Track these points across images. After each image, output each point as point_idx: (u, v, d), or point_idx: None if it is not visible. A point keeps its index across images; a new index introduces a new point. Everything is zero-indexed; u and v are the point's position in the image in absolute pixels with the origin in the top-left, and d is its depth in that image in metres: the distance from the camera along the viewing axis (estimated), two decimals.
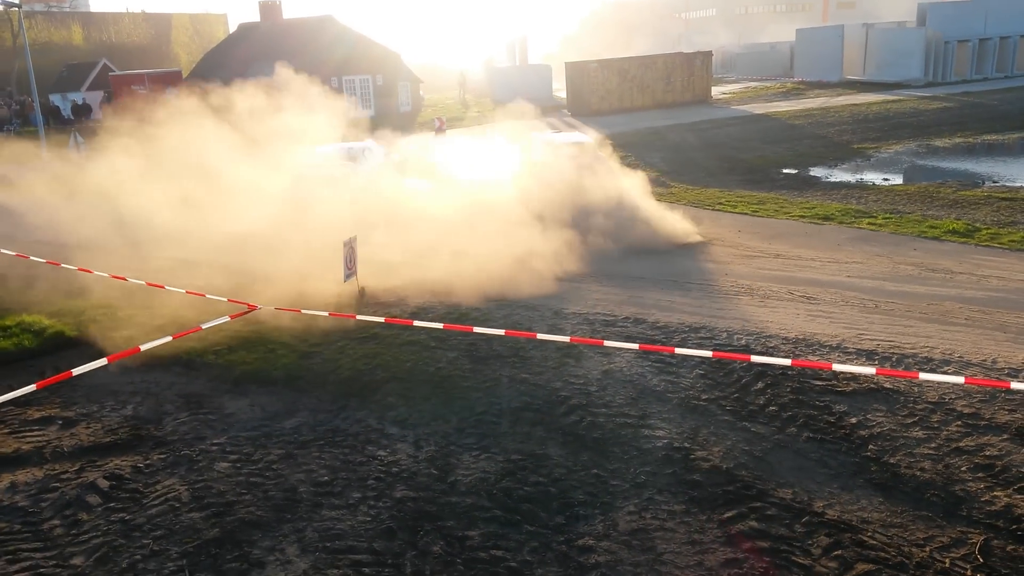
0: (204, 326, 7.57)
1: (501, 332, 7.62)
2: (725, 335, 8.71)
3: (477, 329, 7.31)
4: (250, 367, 8.28)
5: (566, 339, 7.72)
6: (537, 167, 14.49)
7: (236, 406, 7.46)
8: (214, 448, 6.66)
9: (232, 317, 8.06)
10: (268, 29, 41.05)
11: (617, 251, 12.63)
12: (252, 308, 8.28)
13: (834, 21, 66.98)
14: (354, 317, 8.41)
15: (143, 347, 7.01)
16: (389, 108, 40.23)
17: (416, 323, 7.90)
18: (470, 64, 55.49)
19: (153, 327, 8.81)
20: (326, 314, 8.41)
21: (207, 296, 8.79)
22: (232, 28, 54.92)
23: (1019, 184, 19.23)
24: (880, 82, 39.83)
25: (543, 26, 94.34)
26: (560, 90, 42.50)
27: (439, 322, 8.53)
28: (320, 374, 8.02)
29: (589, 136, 20.15)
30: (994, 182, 19.78)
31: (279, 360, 8.40)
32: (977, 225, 13.81)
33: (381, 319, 8.46)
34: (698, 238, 13.65)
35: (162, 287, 8.97)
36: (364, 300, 10.14)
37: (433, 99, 48.05)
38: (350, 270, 9.82)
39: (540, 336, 7.32)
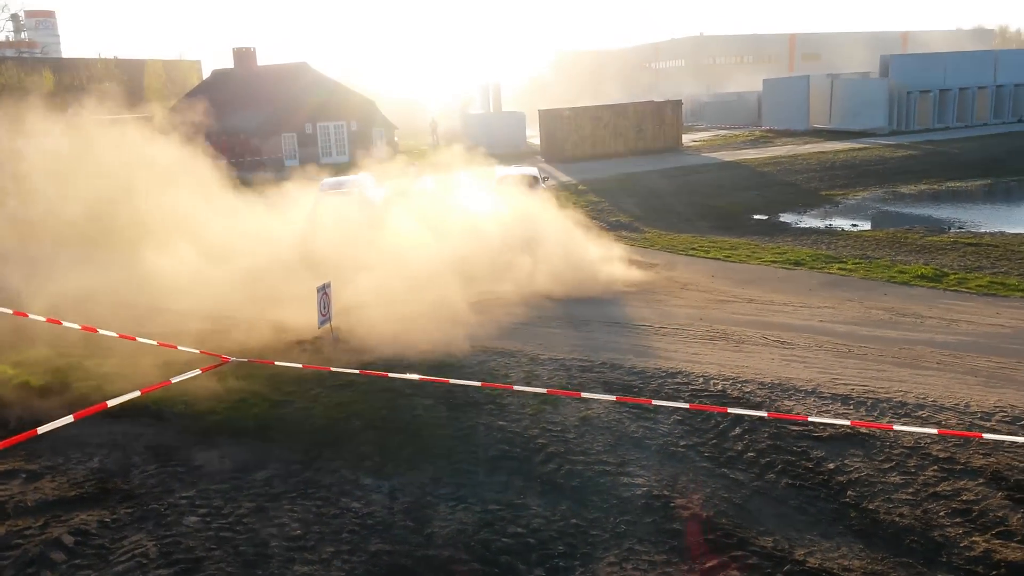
0: (174, 380, 7.41)
1: (477, 384, 7.55)
2: (701, 380, 8.72)
3: (453, 381, 7.24)
4: (221, 417, 8.10)
5: (543, 391, 7.66)
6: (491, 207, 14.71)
7: (206, 457, 7.28)
8: (183, 501, 6.47)
9: (203, 371, 7.91)
10: (242, 76, 41.32)
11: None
12: (224, 360, 8.14)
13: (800, 72, 69.01)
14: (328, 369, 8.29)
15: (110, 403, 6.81)
16: (364, 154, 40.41)
17: (391, 375, 7.80)
18: (444, 110, 56.19)
19: (122, 377, 8.61)
20: (299, 366, 8.28)
21: (178, 348, 8.64)
22: (206, 74, 55.17)
23: (983, 230, 19.71)
24: (846, 131, 40.91)
25: (516, 74, 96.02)
26: (533, 137, 43.09)
27: (415, 371, 8.45)
28: (293, 423, 7.87)
29: (535, 169, 21.21)
30: (959, 228, 20.26)
31: (250, 409, 8.24)
32: (945, 270, 14.08)
33: (355, 370, 8.36)
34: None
35: (133, 339, 8.80)
36: (339, 346, 10.03)
37: (408, 145, 48.42)
38: (324, 316, 9.73)
39: (517, 388, 7.26)
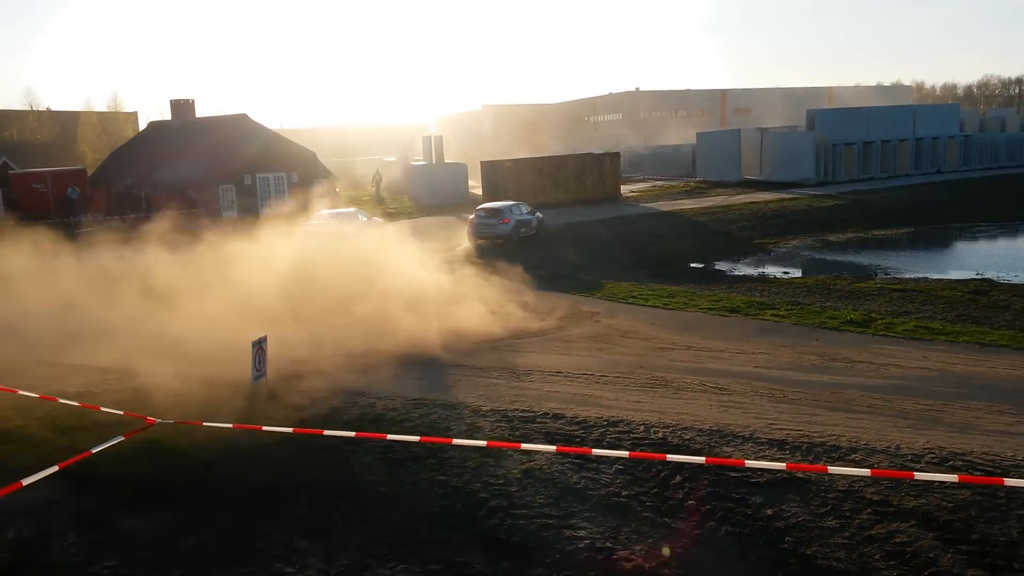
0: (95, 450, 7.05)
1: (416, 439, 7.43)
2: (643, 428, 8.76)
3: (391, 436, 7.11)
4: (147, 480, 7.76)
5: (482, 443, 7.58)
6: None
7: (131, 524, 6.93)
8: (106, 572, 6.13)
9: (127, 436, 7.57)
10: (179, 127, 40.83)
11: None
12: (150, 423, 7.83)
13: (731, 125, 71.76)
14: (260, 428, 8.03)
15: (25, 481, 6.41)
16: (305, 205, 40.12)
17: (327, 432, 7.61)
18: (386, 161, 56.42)
19: (39, 443, 8.20)
20: (230, 426, 8.01)
21: (101, 409, 8.29)
22: (143, 126, 54.34)
23: (908, 276, 20.56)
24: (776, 181, 42.47)
25: (457, 126, 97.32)
26: (476, 187, 43.50)
27: (354, 427, 8.28)
28: (223, 485, 7.58)
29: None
30: (886, 274, 21.09)
31: (179, 472, 7.91)
32: (873, 315, 14.58)
33: (289, 429, 8.13)
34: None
35: (54, 399, 8.42)
36: (274, 403, 9.77)
37: (350, 196, 48.31)
38: (259, 371, 9.50)
39: (456, 441, 7.17)
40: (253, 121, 40.04)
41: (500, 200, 30.02)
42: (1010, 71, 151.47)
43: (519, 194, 37.59)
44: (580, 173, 39.80)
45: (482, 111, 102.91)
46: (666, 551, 6.16)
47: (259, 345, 9.46)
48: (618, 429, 8.78)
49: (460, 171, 44.89)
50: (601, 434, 8.66)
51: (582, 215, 33.91)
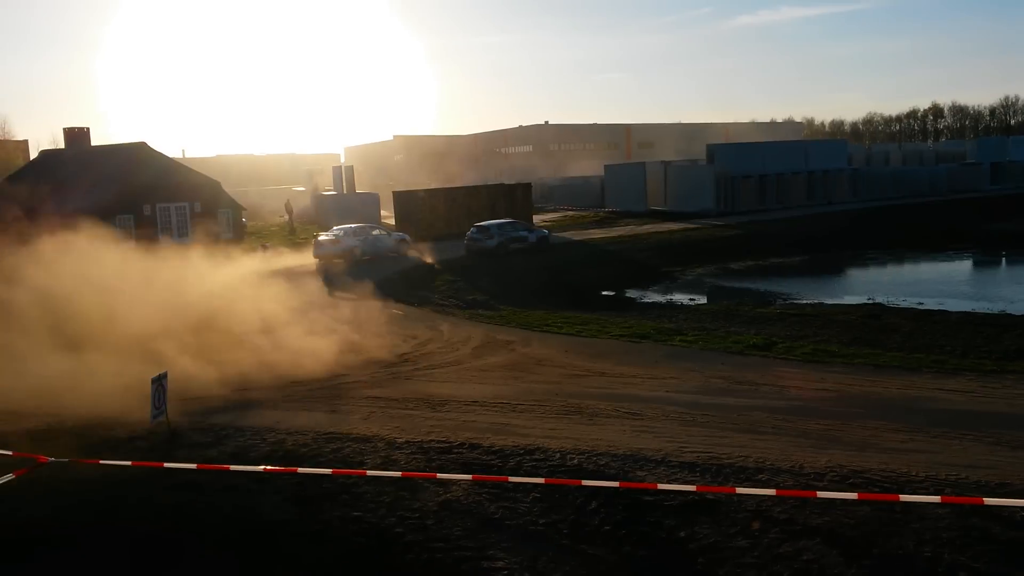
0: None
1: (328, 471, 7.21)
2: (559, 456, 8.78)
3: (302, 470, 6.88)
4: (38, 526, 7.22)
5: (397, 474, 7.43)
6: None
7: (22, 573, 6.43)
8: None
9: (16, 474, 7.07)
10: (74, 156, 38.94)
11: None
12: (42, 461, 7.33)
13: (636, 158, 74.03)
14: (162, 465, 7.65)
15: None
16: (209, 236, 38.85)
17: (233, 468, 7.30)
18: (297, 192, 55.39)
19: None
20: (129, 463, 7.58)
21: None
22: (34, 155, 51.54)
23: (805, 301, 21.58)
24: (680, 212, 43.99)
25: (369, 157, 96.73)
26: (388, 217, 43.20)
27: (263, 463, 7.96)
28: (121, 530, 7.14)
29: None
30: (784, 300, 22.07)
31: (74, 516, 7.41)
32: (774, 339, 15.18)
33: (192, 466, 7.76)
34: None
35: None
36: (176, 441, 9.31)
37: (257, 226, 47.08)
38: (159, 409, 9.04)
39: (370, 473, 7.00)
40: (152, 149, 38.58)
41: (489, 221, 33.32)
42: (892, 109, 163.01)
43: (432, 224, 37.59)
44: (493, 203, 40.14)
45: (393, 142, 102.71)
46: None
47: (159, 382, 9.02)
48: (535, 457, 8.78)
49: (372, 201, 44.54)
50: (518, 463, 8.63)
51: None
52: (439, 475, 7.11)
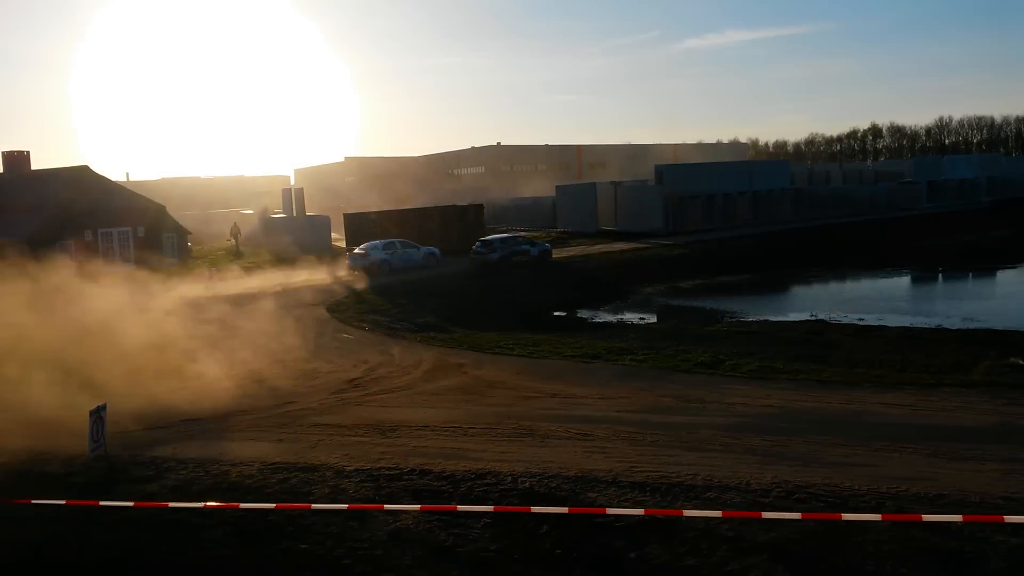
0: None
1: (271, 506, 7.06)
2: (510, 479, 8.74)
3: (244, 505, 6.71)
4: None
5: (343, 506, 7.31)
6: None
7: None
8: None
9: None
10: (12, 180, 37.79)
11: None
12: None
13: (587, 179, 74.92)
14: (97, 504, 7.38)
15: None
16: (153, 261, 38.00)
17: (172, 505, 7.09)
18: (244, 215, 54.56)
19: None
20: (63, 502, 7.30)
21: None
22: None
23: (751, 319, 21.99)
24: (630, 232, 44.57)
25: (320, 179, 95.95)
26: (339, 240, 42.84)
27: (203, 499, 7.75)
28: (56, 572, 6.86)
29: None
30: (731, 317, 22.46)
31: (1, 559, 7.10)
32: (721, 357, 15.42)
33: (130, 503, 7.51)
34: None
35: None
36: (115, 476, 9.01)
37: (203, 250, 46.19)
38: (97, 442, 8.76)
39: (316, 507, 6.87)
40: (95, 173, 37.71)
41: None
42: (833, 130, 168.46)
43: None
44: (445, 224, 40.16)
45: (344, 163, 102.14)
46: None
47: (97, 414, 8.74)
48: (485, 482, 8.72)
49: (322, 223, 44.16)
50: (469, 488, 8.57)
51: (447, 266, 34.10)
52: (386, 506, 7.01)
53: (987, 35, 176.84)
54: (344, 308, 23.94)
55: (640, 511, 6.94)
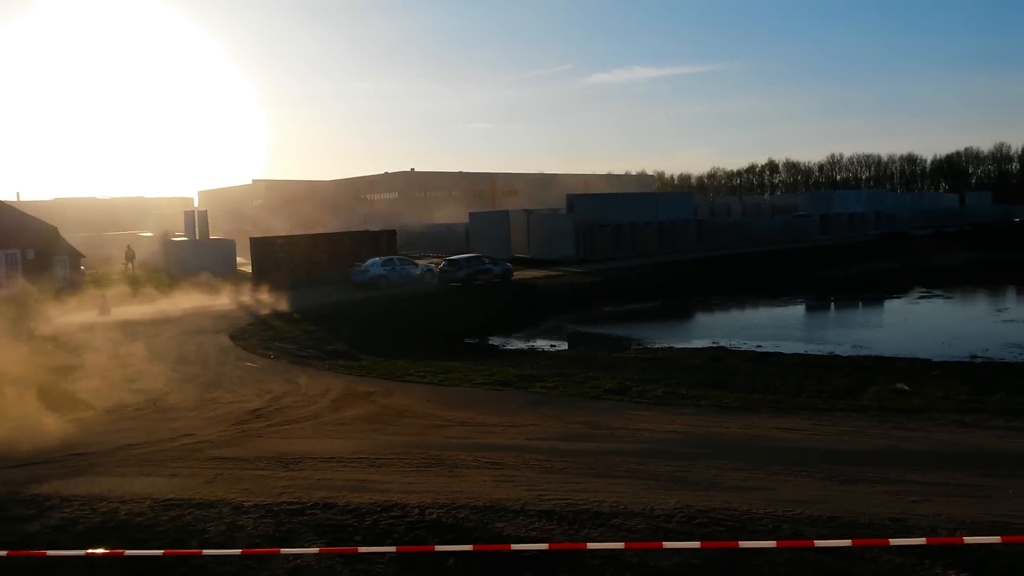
0: None
1: (159, 552, 6.69)
2: (417, 511, 8.59)
3: (129, 553, 6.35)
4: None
5: (237, 551, 7.01)
6: None
7: None
8: None
9: None
10: None
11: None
12: None
13: (501, 206, 75.57)
14: None
15: None
16: (43, 285, 35.83)
17: (50, 553, 6.62)
18: (142, 237, 52.28)
19: None
20: None
21: None
22: None
23: (657, 345, 22.53)
24: (542, 259, 45.15)
25: (227, 202, 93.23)
26: (245, 264, 41.58)
27: (89, 539, 7.27)
28: None
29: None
30: (638, 344, 22.96)
31: None
32: (629, 383, 15.71)
33: (3, 552, 6.97)
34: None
35: None
36: None
37: (97, 274, 43.93)
38: None
39: (206, 552, 6.56)
40: None
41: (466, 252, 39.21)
42: (733, 164, 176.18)
43: (292, 272, 36.48)
44: (357, 250, 39.56)
45: (252, 186, 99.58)
46: None
47: None
48: (392, 514, 8.54)
49: (227, 247, 42.81)
50: (375, 521, 8.37)
51: (359, 292, 33.59)
52: (282, 550, 6.76)
53: (875, 78, 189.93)
54: (249, 335, 23.17)
55: (544, 545, 6.94)
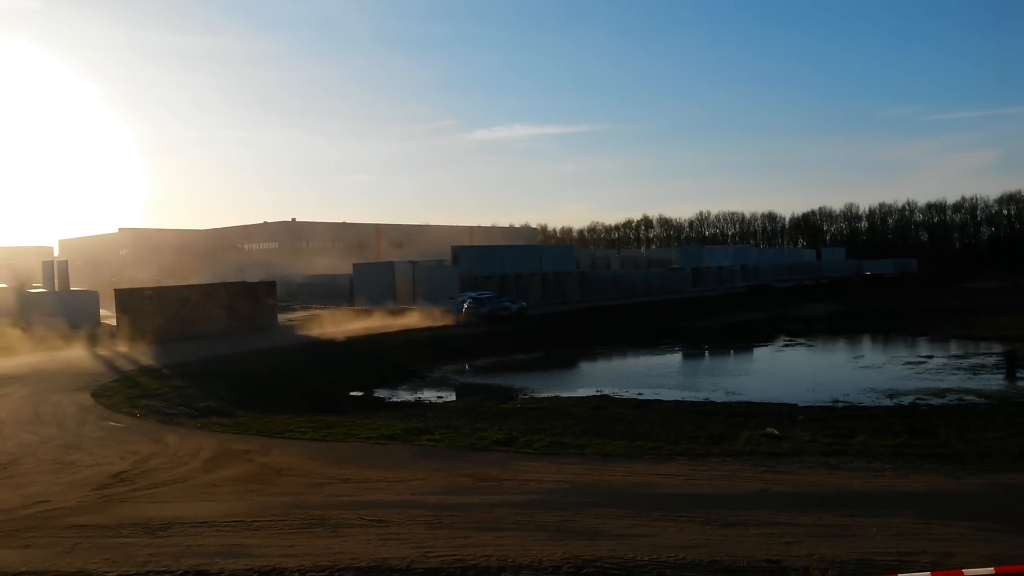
0: None
1: None
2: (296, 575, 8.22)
3: None
4: None
5: None
6: None
7: None
8: None
9: None
10: None
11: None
12: None
13: (386, 257, 74.97)
14: None
15: None
16: None
17: None
18: None
19: None
20: None
21: None
22: None
23: (543, 395, 22.78)
24: (427, 310, 44.93)
25: (91, 252, 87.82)
26: (110, 317, 39.07)
27: None
28: None
29: None
30: (525, 394, 23.12)
31: None
32: (515, 434, 15.74)
33: None
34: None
35: None
36: None
37: None
38: None
39: None
40: None
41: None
42: (611, 219, 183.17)
43: (161, 325, 34.56)
44: (233, 302, 38.08)
45: (118, 235, 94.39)
46: None
47: None
48: None
49: (89, 299, 40.17)
50: None
51: (236, 346, 32.19)
52: None
53: (736, 138, 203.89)
54: (112, 393, 21.64)
55: None
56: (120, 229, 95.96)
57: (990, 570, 6.08)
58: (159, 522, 10.27)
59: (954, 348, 34.96)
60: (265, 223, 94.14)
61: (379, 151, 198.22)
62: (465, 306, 43.74)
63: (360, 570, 8.32)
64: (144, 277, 57.78)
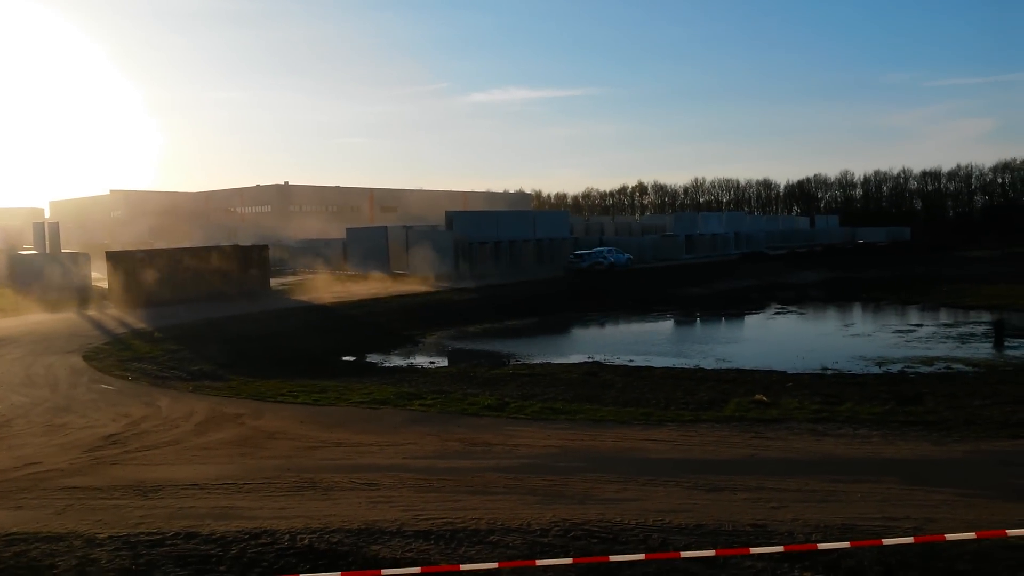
0: None
1: None
2: (288, 537, 8.27)
3: None
4: None
5: None
6: None
7: None
8: None
9: None
10: None
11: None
12: None
13: (379, 222, 74.65)
14: None
15: None
16: None
17: None
18: None
19: None
20: None
21: None
22: None
23: (535, 361, 22.86)
24: (421, 275, 44.89)
25: (82, 214, 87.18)
26: (102, 279, 38.91)
27: None
28: None
29: None
30: (516, 360, 23.20)
31: None
32: (507, 399, 15.83)
33: None
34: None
35: None
36: None
37: None
38: None
39: None
40: None
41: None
42: (606, 185, 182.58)
43: (153, 288, 34.46)
44: (226, 265, 37.91)
45: (110, 197, 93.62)
46: None
47: None
48: (260, 542, 8.18)
49: (80, 262, 39.89)
50: (241, 549, 7.98)
51: (228, 310, 32.13)
52: None
53: (733, 104, 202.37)
54: (104, 356, 21.63)
55: (416, 570, 6.85)
56: (111, 191, 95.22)
57: (909, 539, 6.24)
58: (151, 484, 10.33)
59: (944, 317, 35.16)
60: (257, 186, 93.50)
61: (371, 113, 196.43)
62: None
63: (351, 532, 8.39)
64: (136, 239, 57.47)
